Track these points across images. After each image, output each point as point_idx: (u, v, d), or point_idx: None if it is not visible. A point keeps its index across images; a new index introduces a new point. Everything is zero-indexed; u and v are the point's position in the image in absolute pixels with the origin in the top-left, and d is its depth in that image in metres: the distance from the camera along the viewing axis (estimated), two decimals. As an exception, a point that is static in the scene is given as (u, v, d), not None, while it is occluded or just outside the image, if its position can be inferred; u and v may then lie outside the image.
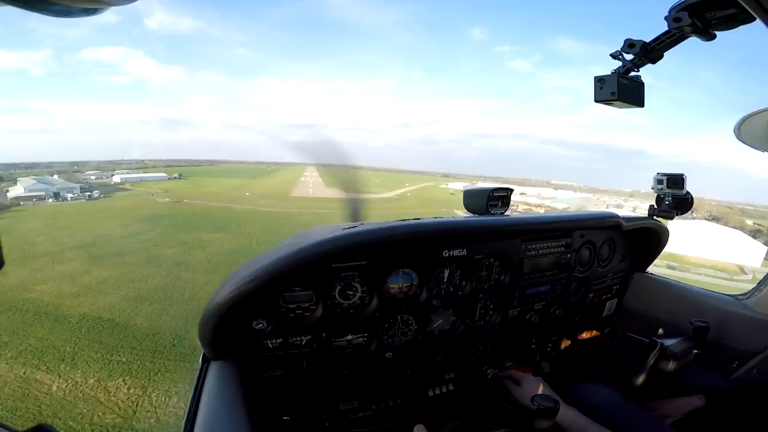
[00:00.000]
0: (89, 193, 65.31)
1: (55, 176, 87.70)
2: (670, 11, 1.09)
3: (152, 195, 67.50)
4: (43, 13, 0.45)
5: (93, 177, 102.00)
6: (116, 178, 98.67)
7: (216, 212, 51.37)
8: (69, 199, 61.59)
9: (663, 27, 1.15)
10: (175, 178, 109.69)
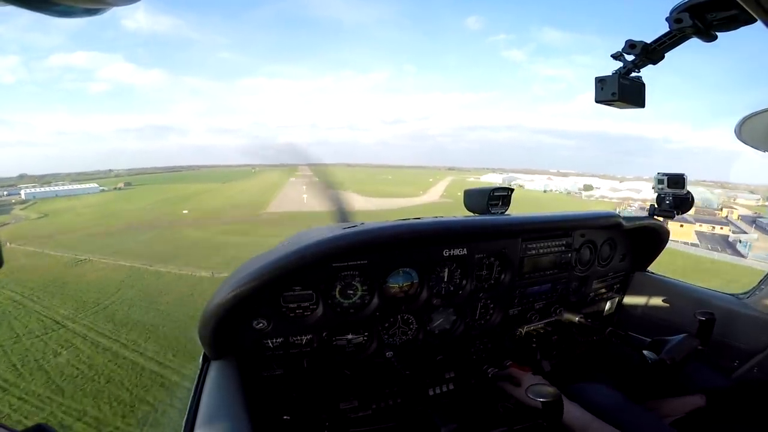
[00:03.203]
0: None
1: None
2: (671, 12, 1.09)
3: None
4: (44, 14, 0.45)
5: (5, 193, 78.25)
6: (22, 194, 75.62)
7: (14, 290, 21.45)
8: None
9: (664, 27, 1.15)
10: (117, 188, 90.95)
